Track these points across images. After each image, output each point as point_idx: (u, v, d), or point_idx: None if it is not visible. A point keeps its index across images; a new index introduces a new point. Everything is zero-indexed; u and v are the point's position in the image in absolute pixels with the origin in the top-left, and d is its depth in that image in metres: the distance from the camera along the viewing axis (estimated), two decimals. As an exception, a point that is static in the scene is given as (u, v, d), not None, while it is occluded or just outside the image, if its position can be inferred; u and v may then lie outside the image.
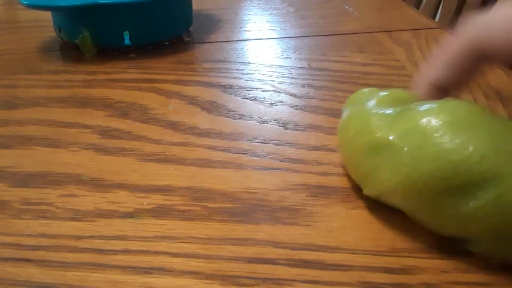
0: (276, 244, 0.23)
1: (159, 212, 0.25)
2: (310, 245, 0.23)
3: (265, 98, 0.36)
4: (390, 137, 0.22)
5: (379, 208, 0.24)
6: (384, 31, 0.49)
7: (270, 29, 0.52)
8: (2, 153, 0.30)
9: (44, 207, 0.25)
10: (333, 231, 0.23)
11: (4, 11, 0.64)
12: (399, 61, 0.42)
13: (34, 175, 0.28)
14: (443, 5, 0.71)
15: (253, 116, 0.34)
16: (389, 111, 0.24)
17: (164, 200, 0.26)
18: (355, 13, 0.56)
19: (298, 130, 0.32)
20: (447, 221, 0.21)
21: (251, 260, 0.22)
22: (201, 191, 0.26)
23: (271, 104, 0.35)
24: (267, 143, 0.30)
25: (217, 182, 0.27)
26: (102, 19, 0.43)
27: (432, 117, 0.21)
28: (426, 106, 0.22)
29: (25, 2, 0.42)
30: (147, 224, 0.24)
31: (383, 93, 0.26)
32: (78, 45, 0.44)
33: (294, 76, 0.40)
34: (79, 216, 0.25)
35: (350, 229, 0.23)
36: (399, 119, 0.23)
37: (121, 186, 0.27)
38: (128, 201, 0.26)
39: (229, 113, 0.34)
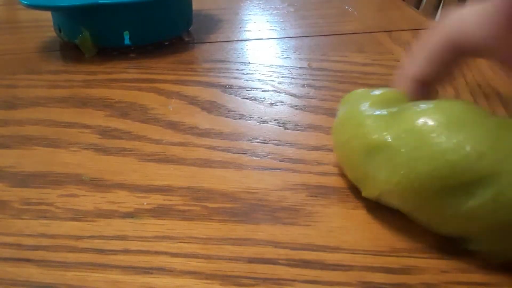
0: (276, 244, 0.23)
1: (159, 212, 0.25)
2: (310, 245, 0.23)
3: (265, 98, 0.36)
4: (387, 139, 0.22)
5: (379, 208, 0.24)
6: (384, 31, 0.49)
7: (270, 29, 0.52)
8: (2, 153, 0.30)
9: (44, 207, 0.25)
10: (333, 231, 0.23)
11: (4, 11, 0.64)
12: (399, 61, 0.42)
13: (34, 175, 0.28)
14: (443, 5, 0.71)
15: (253, 116, 0.34)
16: (383, 112, 0.24)
17: (164, 200, 0.26)
18: (355, 13, 0.56)
19: (298, 130, 0.32)
20: (447, 220, 0.21)
21: (251, 260, 0.22)
22: (201, 191, 0.26)
23: (271, 104, 0.35)
24: (267, 143, 0.30)
25: (217, 182, 0.27)
26: (102, 19, 0.43)
27: (427, 117, 0.21)
28: (421, 107, 0.22)
29: (25, 2, 0.42)
30: (147, 224, 0.24)
31: (376, 94, 0.26)
32: (78, 45, 0.44)
33: (294, 76, 0.40)
34: (79, 216, 0.25)
35: (350, 229, 0.23)
36: (394, 120, 0.23)
37: (121, 186, 0.27)
38: (128, 201, 0.26)
39: (229, 113, 0.34)
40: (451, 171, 0.20)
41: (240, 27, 0.53)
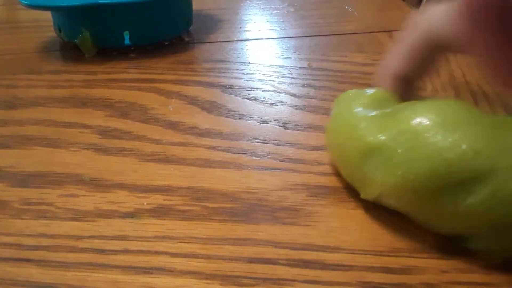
0: (276, 244, 0.23)
1: (159, 212, 0.25)
2: (310, 245, 0.23)
3: (265, 98, 0.36)
4: (383, 140, 0.22)
5: (379, 208, 0.24)
6: (384, 31, 0.49)
7: (270, 29, 0.52)
8: (2, 153, 0.30)
9: (44, 207, 0.25)
10: (333, 231, 0.23)
11: (4, 11, 0.64)
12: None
13: (34, 175, 0.28)
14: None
15: (253, 116, 0.34)
16: (376, 113, 0.24)
17: (164, 200, 0.26)
18: (355, 13, 0.56)
19: (298, 130, 0.32)
20: (446, 219, 0.21)
21: (251, 260, 0.22)
22: (201, 191, 0.26)
23: (271, 104, 0.35)
24: (267, 143, 0.30)
25: (217, 182, 0.27)
26: (102, 19, 0.43)
27: (423, 118, 0.21)
28: (416, 107, 0.22)
29: (25, 2, 0.42)
30: (147, 224, 0.24)
31: (368, 94, 0.26)
32: (78, 45, 0.44)
33: (294, 76, 0.40)
34: (79, 216, 0.25)
35: (350, 229, 0.23)
36: (389, 122, 0.23)
37: (121, 186, 0.27)
38: (128, 201, 0.26)
39: (229, 113, 0.34)
40: (448, 170, 0.20)
41: (240, 27, 0.53)
